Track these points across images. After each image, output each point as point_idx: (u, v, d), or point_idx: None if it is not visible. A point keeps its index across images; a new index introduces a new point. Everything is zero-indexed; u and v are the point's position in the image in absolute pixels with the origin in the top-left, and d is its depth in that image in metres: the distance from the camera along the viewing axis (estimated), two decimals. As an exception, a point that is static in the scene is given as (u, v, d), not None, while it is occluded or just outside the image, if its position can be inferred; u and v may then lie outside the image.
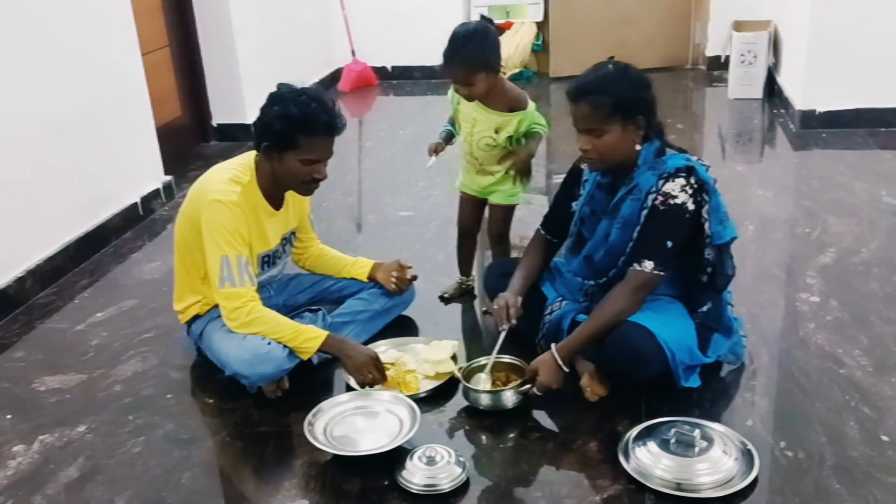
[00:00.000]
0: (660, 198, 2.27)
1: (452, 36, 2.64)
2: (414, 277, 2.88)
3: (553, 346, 2.31)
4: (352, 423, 2.30)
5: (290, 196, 2.63)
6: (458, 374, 2.42)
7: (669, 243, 2.27)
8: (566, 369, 2.29)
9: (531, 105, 2.77)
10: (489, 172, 2.85)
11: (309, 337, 2.45)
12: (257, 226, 2.52)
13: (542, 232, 2.65)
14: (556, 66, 6.47)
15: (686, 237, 2.30)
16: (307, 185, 2.51)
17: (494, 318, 2.48)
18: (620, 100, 2.25)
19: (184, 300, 2.66)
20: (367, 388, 2.44)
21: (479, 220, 3.02)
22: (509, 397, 2.34)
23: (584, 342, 2.31)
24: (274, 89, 2.44)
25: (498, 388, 2.37)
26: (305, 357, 2.47)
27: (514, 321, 2.42)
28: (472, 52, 2.60)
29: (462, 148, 2.88)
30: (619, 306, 2.28)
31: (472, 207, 2.98)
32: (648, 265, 2.26)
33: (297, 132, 2.37)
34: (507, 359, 2.46)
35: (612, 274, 2.40)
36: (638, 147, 2.32)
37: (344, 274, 2.88)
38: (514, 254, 3.00)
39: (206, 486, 2.19)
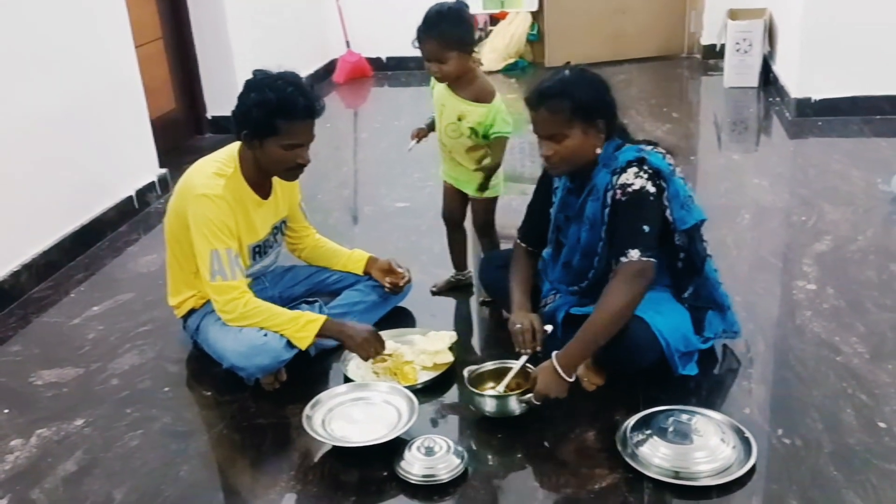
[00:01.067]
0: (618, 192, 2.25)
1: (427, 13, 2.65)
2: (408, 281, 2.87)
3: (553, 354, 2.22)
4: (350, 415, 2.30)
5: (278, 184, 2.62)
6: (466, 381, 2.33)
7: (646, 228, 2.22)
8: (569, 379, 2.20)
9: (497, 101, 2.74)
10: (459, 163, 2.83)
11: (308, 320, 2.44)
12: (245, 217, 2.51)
13: (523, 244, 2.62)
14: (551, 56, 6.45)
15: (660, 219, 2.26)
16: (292, 171, 2.50)
17: (515, 341, 2.36)
18: (580, 103, 2.23)
19: (178, 295, 2.65)
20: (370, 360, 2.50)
21: (462, 208, 2.99)
22: (515, 404, 2.26)
23: (586, 348, 2.22)
24: (249, 80, 2.44)
25: (504, 394, 2.29)
26: (305, 345, 2.46)
27: (539, 348, 2.35)
28: (445, 28, 2.61)
29: (436, 135, 2.88)
30: (618, 302, 2.18)
31: (453, 195, 2.96)
32: (634, 254, 2.19)
33: (276, 118, 2.36)
34: (514, 363, 2.37)
35: (591, 275, 2.39)
36: (598, 150, 2.31)
37: (340, 267, 2.88)
38: (504, 244, 2.98)
39: (203, 479, 2.19)
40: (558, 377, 2.19)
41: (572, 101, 2.23)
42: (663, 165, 2.28)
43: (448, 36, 2.61)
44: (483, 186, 2.79)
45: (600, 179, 2.31)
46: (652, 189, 2.24)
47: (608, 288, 2.22)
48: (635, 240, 2.22)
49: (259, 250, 2.63)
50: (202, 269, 2.43)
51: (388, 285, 2.83)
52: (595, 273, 2.39)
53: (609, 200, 2.28)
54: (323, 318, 2.47)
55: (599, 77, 2.33)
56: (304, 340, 2.46)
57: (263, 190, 2.57)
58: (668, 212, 2.28)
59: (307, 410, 2.27)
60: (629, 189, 2.24)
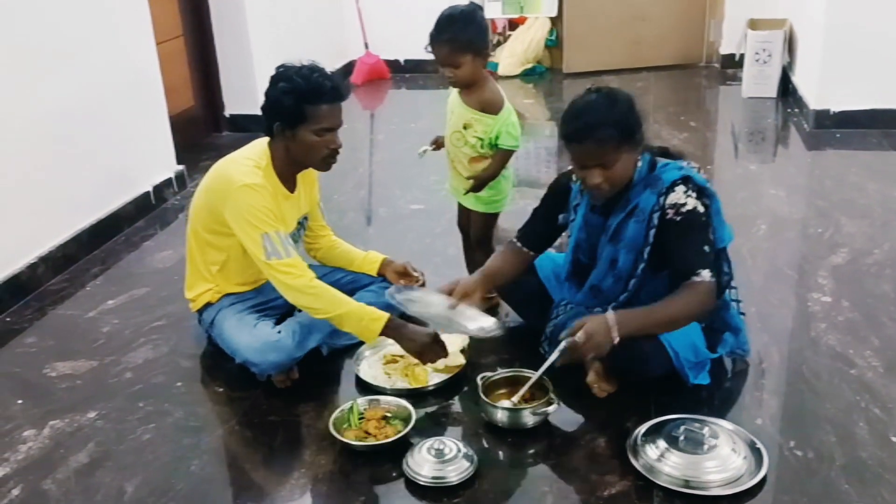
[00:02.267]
0: (669, 212, 2.25)
1: (439, 17, 2.63)
2: (422, 284, 2.85)
3: (612, 310, 2.19)
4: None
5: (301, 181, 2.64)
6: (480, 390, 2.32)
7: (706, 248, 2.24)
8: (616, 338, 2.13)
9: (506, 112, 2.71)
10: (459, 172, 2.82)
11: (372, 318, 2.42)
12: (278, 209, 2.53)
13: (520, 244, 2.57)
14: (569, 62, 6.45)
15: (712, 238, 2.28)
16: (326, 159, 2.52)
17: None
18: (622, 126, 2.21)
19: (195, 288, 2.67)
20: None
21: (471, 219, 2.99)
22: (528, 417, 2.25)
23: (641, 325, 2.19)
24: (274, 73, 2.48)
25: (518, 407, 2.26)
26: (370, 340, 2.51)
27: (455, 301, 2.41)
28: (457, 31, 2.58)
29: (445, 142, 2.86)
30: (687, 308, 2.20)
31: (464, 206, 2.96)
32: (706, 273, 2.20)
33: (305, 103, 2.39)
34: (529, 373, 2.34)
35: (623, 298, 2.37)
36: (639, 164, 2.30)
37: (354, 268, 2.89)
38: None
39: (214, 474, 2.21)
40: (607, 329, 2.14)
41: (616, 127, 2.20)
42: (705, 182, 2.31)
43: (460, 39, 2.58)
44: (474, 189, 2.75)
45: (644, 201, 2.28)
46: (702, 209, 2.26)
47: (681, 292, 2.20)
48: (703, 260, 2.22)
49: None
50: (256, 255, 2.42)
51: (413, 274, 2.83)
52: (628, 296, 2.36)
53: (656, 221, 2.26)
54: (387, 316, 2.43)
55: (626, 93, 2.29)
56: (371, 334, 2.44)
57: (291, 184, 2.60)
58: (709, 229, 2.29)
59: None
60: (683, 209, 2.24)
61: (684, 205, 2.24)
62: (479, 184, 2.75)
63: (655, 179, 2.29)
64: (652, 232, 2.28)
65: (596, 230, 2.43)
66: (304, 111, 2.40)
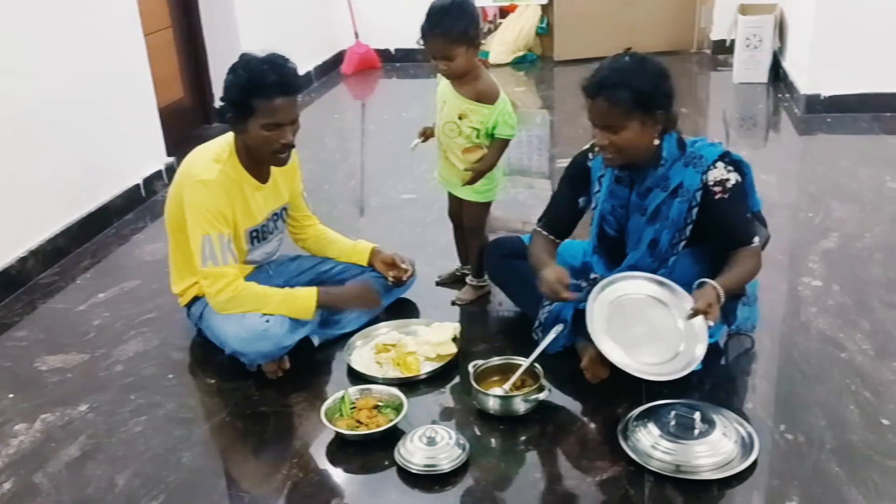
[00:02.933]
0: (716, 189, 2.27)
1: (429, 9, 2.59)
2: (411, 275, 2.85)
3: (715, 283, 2.17)
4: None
5: (278, 170, 2.62)
6: (471, 378, 2.32)
7: (749, 216, 2.36)
8: (723, 300, 2.16)
9: (502, 102, 2.69)
10: (452, 164, 2.79)
11: (304, 296, 2.50)
12: (242, 201, 2.52)
13: (544, 232, 2.54)
14: (560, 50, 6.44)
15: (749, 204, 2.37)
16: (277, 154, 2.47)
17: (548, 294, 2.32)
18: (640, 94, 2.18)
19: (181, 283, 2.66)
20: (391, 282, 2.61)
21: (462, 209, 2.97)
22: (520, 404, 2.26)
23: (737, 284, 2.27)
24: (243, 54, 2.46)
25: (509, 394, 2.28)
26: (310, 314, 2.51)
27: (571, 297, 2.30)
28: (450, 22, 2.54)
29: (435, 133, 2.83)
30: (756, 267, 2.32)
31: (456, 196, 2.95)
32: (757, 240, 2.32)
33: (250, 96, 2.36)
34: (520, 360, 2.36)
35: (662, 273, 2.36)
36: (656, 142, 2.27)
37: (344, 258, 2.88)
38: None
39: (206, 465, 2.20)
40: (717, 295, 2.15)
41: (632, 91, 2.17)
42: (740, 157, 2.35)
43: (454, 31, 2.54)
44: (471, 181, 2.74)
45: (690, 179, 2.28)
46: (741, 179, 2.31)
47: (747, 256, 2.28)
48: (751, 230, 2.34)
49: (257, 235, 2.63)
50: (194, 254, 2.45)
51: (391, 278, 2.83)
52: (666, 273, 2.35)
53: (699, 199, 2.28)
54: (315, 290, 2.51)
55: (660, 65, 2.28)
56: (306, 312, 2.48)
57: (261, 174, 2.57)
58: (746, 197, 2.36)
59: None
60: (728, 184, 2.27)
61: (728, 180, 2.28)
62: (477, 176, 2.73)
63: (695, 157, 2.30)
64: (695, 210, 2.29)
65: (620, 201, 2.43)
66: (249, 104, 2.36)
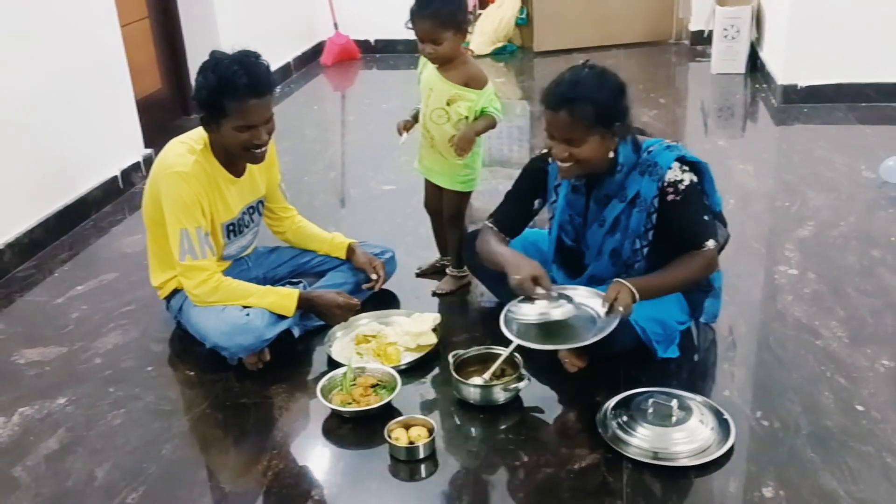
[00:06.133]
0: (669, 191, 2.26)
1: None
2: (382, 282, 2.82)
3: (624, 281, 2.20)
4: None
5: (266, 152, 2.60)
6: (451, 368, 2.33)
7: (706, 217, 2.31)
8: (638, 297, 2.19)
9: (489, 87, 2.72)
10: (438, 152, 2.79)
11: (285, 295, 2.50)
12: (218, 194, 2.50)
13: (495, 228, 2.50)
14: (539, 41, 6.44)
15: (709, 204, 2.35)
16: (249, 153, 2.44)
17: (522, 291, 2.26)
18: (602, 109, 2.18)
19: (160, 275, 2.65)
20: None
21: (440, 199, 2.94)
22: (500, 393, 2.27)
23: (657, 288, 2.26)
24: (213, 52, 2.41)
25: (489, 384, 2.29)
26: (291, 312, 2.50)
27: (547, 291, 2.24)
28: (439, 6, 2.57)
29: (420, 121, 2.83)
30: (696, 271, 2.29)
31: (433, 187, 2.93)
32: (711, 243, 2.28)
33: (221, 98, 2.32)
34: (500, 350, 2.36)
35: (624, 277, 2.36)
36: (611, 154, 2.28)
37: (323, 251, 2.87)
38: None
39: (186, 457, 2.20)
40: (629, 291, 2.18)
41: (595, 106, 2.17)
42: (696, 159, 2.34)
43: (442, 15, 2.57)
44: (459, 149, 2.69)
45: (646, 189, 2.28)
46: (696, 179, 2.29)
47: (688, 259, 2.28)
48: (707, 231, 2.30)
49: (233, 229, 2.62)
50: (172, 248, 2.43)
51: (373, 278, 2.81)
52: (627, 275, 2.35)
53: (657, 204, 2.28)
54: (296, 292, 2.51)
55: (618, 78, 2.27)
56: (286, 312, 2.48)
57: (236, 168, 2.55)
58: (705, 200, 2.34)
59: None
60: (682, 186, 2.26)
61: (681, 181, 2.27)
62: (465, 139, 2.69)
63: (650, 165, 2.29)
64: (654, 217, 2.30)
65: (577, 209, 2.44)
66: (221, 106, 2.32)
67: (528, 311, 2.26)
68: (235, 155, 2.48)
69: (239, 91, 2.30)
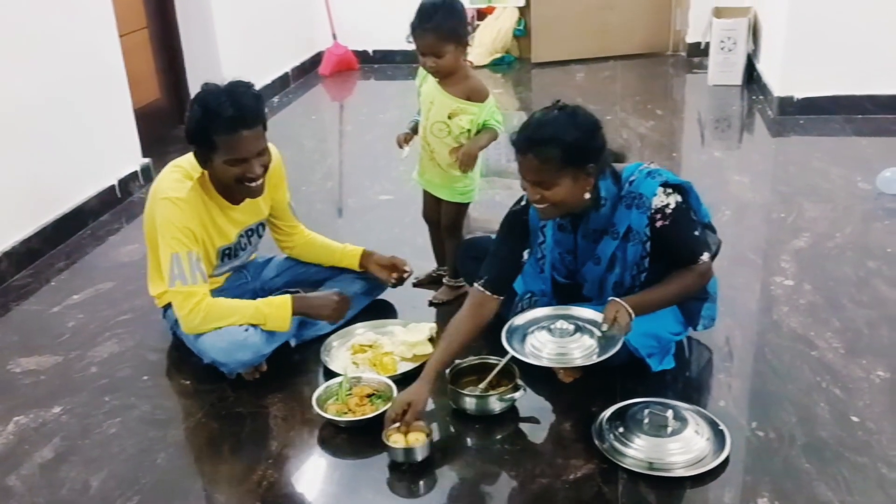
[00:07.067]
0: (657, 217, 2.26)
1: (420, 6, 2.62)
2: (410, 273, 2.86)
3: (619, 300, 2.21)
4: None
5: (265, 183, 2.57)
6: (447, 377, 2.33)
7: (697, 233, 2.33)
8: (633, 315, 2.20)
9: (491, 100, 2.73)
10: (438, 164, 2.80)
11: (276, 306, 2.46)
12: (212, 221, 2.48)
13: (487, 292, 2.36)
14: (537, 52, 6.46)
15: (697, 218, 2.37)
16: (243, 187, 2.40)
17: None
18: (571, 150, 2.13)
19: (159, 287, 2.62)
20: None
21: (439, 211, 2.95)
22: (495, 403, 2.27)
23: (650, 304, 2.28)
24: (206, 84, 2.37)
25: (485, 394, 2.28)
26: (286, 326, 2.48)
27: (400, 427, 2.12)
28: (441, 20, 2.58)
29: (419, 133, 2.83)
30: (689, 285, 2.32)
31: (432, 198, 2.94)
32: (706, 257, 2.31)
33: (209, 132, 2.28)
34: (496, 360, 2.34)
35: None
36: (588, 196, 2.25)
37: (335, 262, 2.84)
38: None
39: (181, 466, 2.20)
40: (625, 309, 2.20)
41: (563, 148, 2.12)
42: (678, 180, 2.35)
43: (444, 28, 2.58)
44: (462, 164, 2.71)
45: (636, 222, 2.27)
46: (680, 199, 2.30)
47: (682, 274, 2.30)
48: (700, 246, 2.32)
49: (228, 252, 2.61)
50: (164, 273, 2.40)
51: (393, 280, 2.82)
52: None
53: (649, 232, 2.28)
54: (289, 297, 2.49)
55: (591, 117, 2.22)
56: (283, 323, 2.46)
57: (234, 196, 2.51)
58: (691, 213, 2.35)
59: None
60: (668, 210, 2.26)
61: (668, 206, 2.27)
62: (469, 156, 2.70)
63: (635, 197, 2.27)
64: (648, 245, 2.30)
65: (568, 248, 2.43)
66: (210, 140, 2.29)
67: (546, 346, 2.23)
68: (231, 189, 2.45)
69: (225, 123, 2.26)
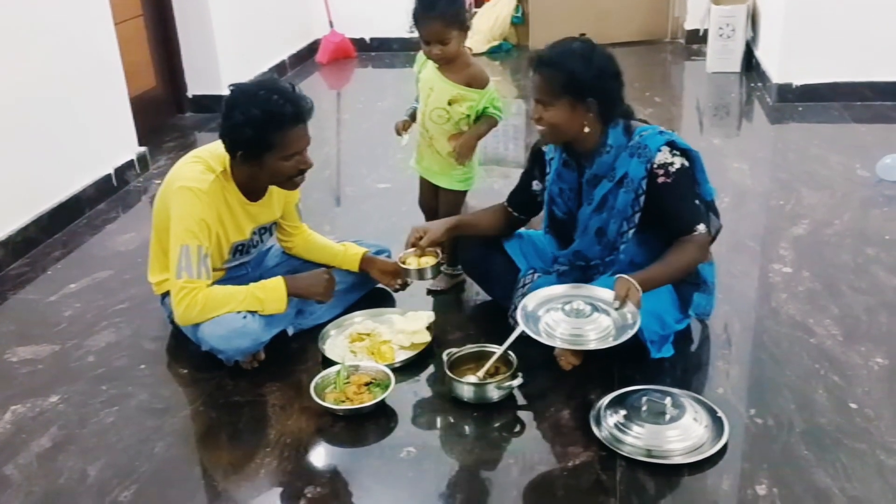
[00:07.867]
0: (659, 173, 2.27)
1: None
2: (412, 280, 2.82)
3: (627, 277, 2.19)
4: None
5: (276, 189, 2.56)
6: (445, 366, 2.33)
7: (697, 202, 2.34)
8: (641, 291, 2.18)
9: (491, 87, 2.73)
10: (437, 151, 2.79)
11: (272, 288, 2.46)
12: (231, 216, 2.48)
13: (506, 204, 2.67)
14: (535, 39, 6.44)
15: (700, 192, 2.37)
16: (293, 180, 2.44)
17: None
18: (572, 78, 2.24)
19: (158, 275, 2.62)
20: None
21: (436, 199, 2.95)
22: (494, 391, 2.27)
23: (657, 280, 2.27)
24: (228, 97, 2.35)
25: (483, 381, 2.28)
26: (283, 307, 2.47)
27: (418, 252, 2.51)
28: (444, 6, 2.59)
29: (418, 120, 2.83)
30: (692, 259, 2.31)
31: (429, 186, 2.94)
32: (702, 227, 2.30)
33: (268, 133, 2.28)
34: (494, 348, 2.36)
35: (609, 259, 2.40)
36: (587, 130, 2.30)
37: (335, 263, 2.81)
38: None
39: (179, 455, 2.19)
40: (634, 286, 2.18)
41: (565, 74, 2.24)
42: (687, 145, 2.35)
43: (449, 15, 2.59)
44: (459, 155, 2.72)
45: (634, 170, 2.29)
46: (688, 164, 2.31)
47: (682, 247, 2.29)
48: (697, 216, 2.32)
49: (241, 249, 2.60)
50: (171, 267, 2.39)
51: (397, 286, 2.79)
52: (613, 259, 2.39)
53: (645, 187, 2.28)
54: (281, 279, 2.48)
55: (607, 59, 2.30)
56: (280, 304, 2.46)
57: (255, 194, 2.52)
58: (696, 186, 2.36)
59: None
60: (672, 169, 2.28)
61: (671, 164, 2.28)
62: (467, 146, 2.71)
63: (640, 147, 2.30)
64: (642, 199, 2.31)
65: (568, 183, 2.46)
66: (268, 140, 2.29)
67: (560, 326, 2.20)
68: (277, 184, 2.46)
69: (287, 121, 2.29)
